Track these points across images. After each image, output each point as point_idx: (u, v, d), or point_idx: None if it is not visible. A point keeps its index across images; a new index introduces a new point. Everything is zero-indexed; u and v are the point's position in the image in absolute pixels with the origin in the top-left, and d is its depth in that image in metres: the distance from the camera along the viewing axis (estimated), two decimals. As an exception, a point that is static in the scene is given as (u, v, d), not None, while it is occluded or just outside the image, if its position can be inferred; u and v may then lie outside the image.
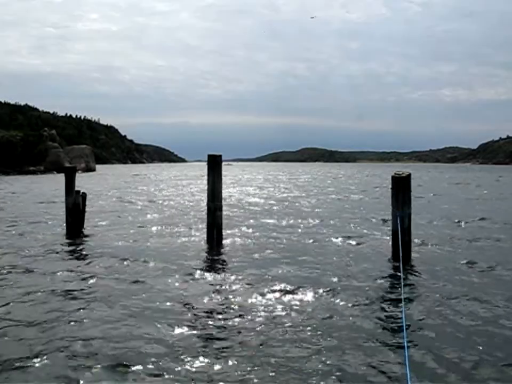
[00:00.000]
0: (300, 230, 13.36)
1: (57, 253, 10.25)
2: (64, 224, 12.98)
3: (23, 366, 4.58)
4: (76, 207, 12.78)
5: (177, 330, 5.52)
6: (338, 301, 6.62)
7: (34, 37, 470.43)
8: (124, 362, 4.65)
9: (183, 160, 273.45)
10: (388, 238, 10.35)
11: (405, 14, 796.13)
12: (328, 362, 4.68)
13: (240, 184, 41.61)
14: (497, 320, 5.86)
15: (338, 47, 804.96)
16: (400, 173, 9.41)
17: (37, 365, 4.62)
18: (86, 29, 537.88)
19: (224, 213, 11.64)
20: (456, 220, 15.32)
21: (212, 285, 7.60)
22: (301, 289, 7.18)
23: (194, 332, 5.51)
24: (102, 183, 40.93)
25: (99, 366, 4.59)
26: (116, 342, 5.17)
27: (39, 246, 10.99)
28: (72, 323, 5.75)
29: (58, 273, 8.25)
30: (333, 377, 4.39)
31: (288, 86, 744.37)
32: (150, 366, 4.58)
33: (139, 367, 4.56)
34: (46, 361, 4.70)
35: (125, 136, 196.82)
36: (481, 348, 5.02)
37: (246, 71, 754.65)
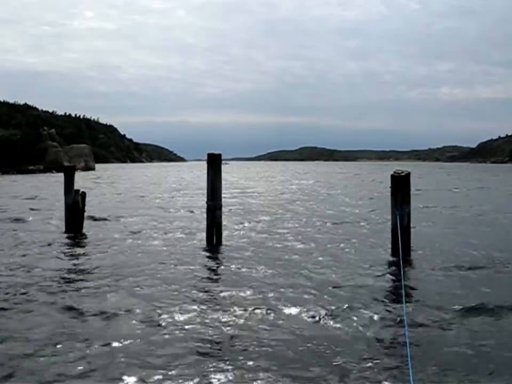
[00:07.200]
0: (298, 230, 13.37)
1: (55, 251, 10.23)
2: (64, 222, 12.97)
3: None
4: (75, 205, 12.79)
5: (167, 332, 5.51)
6: (337, 300, 6.61)
7: (30, 36, 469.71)
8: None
9: (182, 159, 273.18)
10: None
11: (402, 12, 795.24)
12: (328, 360, 4.68)
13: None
14: (500, 319, 5.87)
15: (336, 45, 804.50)
16: (400, 171, 9.41)
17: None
18: (82, 27, 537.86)
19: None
20: (456, 216, 15.32)
21: (209, 284, 7.62)
22: (298, 288, 7.18)
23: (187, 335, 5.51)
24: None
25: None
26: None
27: (37, 244, 10.98)
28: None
29: (55, 271, 8.24)
30: (332, 375, 4.40)
31: (286, 85, 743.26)
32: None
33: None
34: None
35: (124, 135, 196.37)
36: (484, 344, 5.04)
37: (244, 70, 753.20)
